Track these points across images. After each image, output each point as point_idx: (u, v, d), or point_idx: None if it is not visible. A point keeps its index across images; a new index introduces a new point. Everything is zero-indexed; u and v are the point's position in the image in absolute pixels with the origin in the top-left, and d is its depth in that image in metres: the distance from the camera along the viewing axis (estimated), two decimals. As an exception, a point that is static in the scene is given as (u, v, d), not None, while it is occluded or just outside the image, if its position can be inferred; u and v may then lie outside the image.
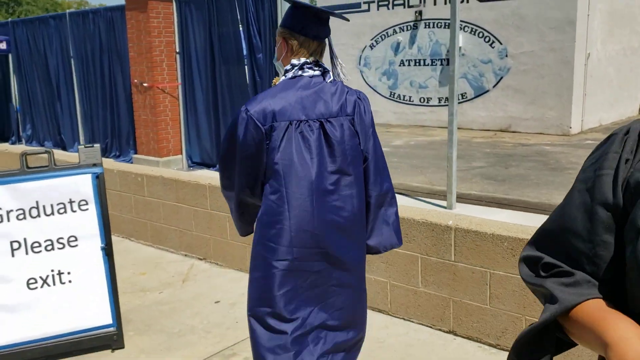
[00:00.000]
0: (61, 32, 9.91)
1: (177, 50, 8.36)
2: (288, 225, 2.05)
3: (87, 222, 3.00)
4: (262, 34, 7.07)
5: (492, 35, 13.41)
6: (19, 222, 2.91)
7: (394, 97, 15.33)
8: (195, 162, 8.55)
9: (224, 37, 7.64)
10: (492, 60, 13.49)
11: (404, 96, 15.13)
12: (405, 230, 3.43)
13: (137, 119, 8.67)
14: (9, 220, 2.89)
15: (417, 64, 14.78)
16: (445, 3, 14.07)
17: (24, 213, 2.91)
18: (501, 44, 13.31)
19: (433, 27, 14.36)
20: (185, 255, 4.78)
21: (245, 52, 7.50)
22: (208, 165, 8.32)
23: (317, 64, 2.33)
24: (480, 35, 13.53)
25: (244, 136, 2.13)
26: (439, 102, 14.51)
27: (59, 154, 6.93)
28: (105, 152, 9.58)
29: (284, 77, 2.33)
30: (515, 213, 5.11)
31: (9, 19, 11.33)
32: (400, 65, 15.08)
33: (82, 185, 3.00)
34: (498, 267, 3.34)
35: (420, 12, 14.49)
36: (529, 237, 3.31)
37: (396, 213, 2.51)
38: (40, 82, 10.58)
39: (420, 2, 14.47)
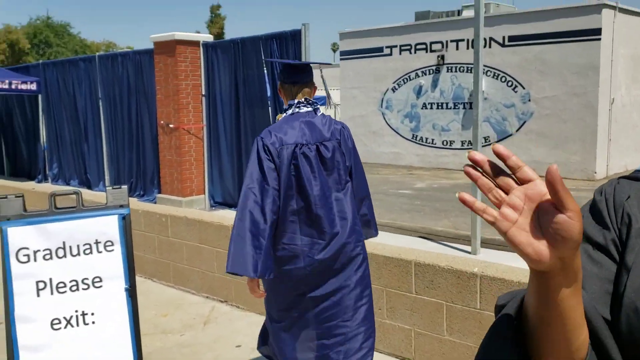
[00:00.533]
0: (90, 74, 10.18)
1: (203, 93, 8.52)
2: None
3: (112, 263, 3.01)
4: (287, 77, 7.19)
5: (514, 79, 13.45)
6: (46, 262, 2.92)
7: (416, 139, 15.35)
8: (218, 202, 8.60)
9: (249, 80, 7.78)
10: (515, 104, 13.49)
11: (427, 139, 15.15)
12: (430, 277, 3.37)
13: (162, 159, 8.78)
14: (35, 260, 2.91)
15: (440, 107, 14.84)
16: (468, 48, 14.21)
17: (50, 253, 2.93)
18: (524, 88, 13.34)
19: (455, 71, 14.47)
20: (207, 297, 4.75)
21: (269, 94, 7.61)
22: (230, 205, 8.36)
23: (308, 101, 2.91)
24: (503, 79, 13.58)
25: (265, 164, 2.73)
26: (462, 145, 14.48)
27: (85, 193, 7.02)
28: (129, 191, 9.69)
29: (285, 114, 2.92)
30: (542, 260, 5.01)
31: (40, 61, 11.68)
32: (422, 108, 15.16)
33: (108, 226, 3.02)
34: (526, 316, 3.22)
35: (442, 57, 14.62)
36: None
37: (371, 208, 3.13)
38: (68, 122, 10.82)
39: (443, 46, 14.63)
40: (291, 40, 7.03)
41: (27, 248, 2.93)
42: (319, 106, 2.94)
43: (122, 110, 9.72)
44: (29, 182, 10.77)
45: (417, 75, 15.21)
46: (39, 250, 2.94)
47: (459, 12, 17.36)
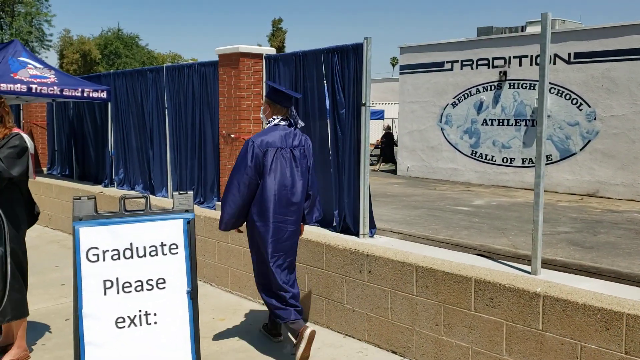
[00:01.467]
0: (157, 84, 10.55)
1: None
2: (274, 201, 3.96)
3: (176, 266, 3.11)
4: (346, 90, 7.23)
5: (580, 97, 13.07)
6: (113, 262, 3.05)
7: (475, 155, 15.11)
8: (275, 213, 8.71)
9: (309, 92, 7.88)
10: (580, 122, 13.09)
11: (486, 155, 14.88)
12: (490, 295, 3.30)
13: (222, 168, 8.99)
14: (104, 260, 3.04)
15: (501, 123, 14.57)
16: (531, 64, 13.92)
17: (118, 254, 3.05)
18: (589, 106, 12.93)
19: (518, 87, 14.19)
20: (263, 304, 4.80)
21: (328, 107, 7.68)
22: (287, 216, 8.46)
23: (286, 119, 4.22)
24: (568, 97, 13.21)
25: (252, 158, 3.93)
26: (523, 163, 14.15)
27: (151, 198, 7.31)
28: (189, 199, 9.95)
29: (268, 125, 4.16)
30: (606, 283, 4.83)
31: (111, 71, 12.20)
32: (482, 124, 14.92)
33: (174, 229, 3.13)
34: (590, 340, 3.13)
35: (505, 73, 14.37)
36: (625, 310, 3.09)
37: (319, 199, 4.43)
38: (135, 130, 11.23)
39: (505, 62, 14.39)
40: (353, 53, 7.08)
41: (96, 248, 3.06)
42: (293, 122, 4.18)
43: (187, 119, 10.02)
44: (96, 186, 11.24)
45: (478, 91, 15.00)
46: (107, 250, 3.08)
47: (523, 28, 17.04)
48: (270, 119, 4.11)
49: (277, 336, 4.32)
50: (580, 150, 13.11)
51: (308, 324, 4.33)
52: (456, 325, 3.47)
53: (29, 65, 11.42)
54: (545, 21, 5.28)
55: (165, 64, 10.40)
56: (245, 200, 3.87)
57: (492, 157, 14.77)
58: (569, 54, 13.15)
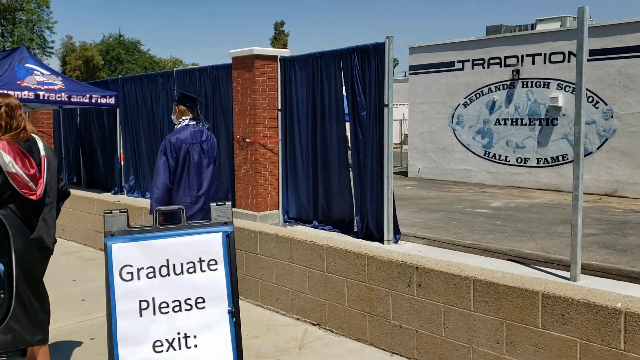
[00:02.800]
0: (168, 89, 10.34)
1: (279, 107, 8.46)
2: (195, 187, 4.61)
3: (216, 283, 2.88)
4: (367, 92, 7.01)
5: (595, 95, 12.82)
6: (149, 281, 2.82)
7: (488, 156, 14.87)
8: (292, 218, 8.49)
9: (326, 95, 7.66)
10: (596, 121, 12.85)
11: (500, 156, 14.64)
12: (561, 310, 3.04)
13: (238, 173, 8.76)
14: (139, 278, 2.81)
15: (514, 123, 14.33)
16: (545, 62, 13.68)
17: (154, 271, 2.83)
18: (606, 104, 12.69)
19: (531, 86, 13.95)
20: (298, 319, 4.51)
21: (347, 110, 7.46)
22: (304, 221, 8.23)
23: (194, 119, 4.79)
24: (583, 94, 12.95)
25: (171, 153, 4.55)
26: (538, 163, 13.91)
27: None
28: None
29: (179, 125, 4.77)
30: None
31: (119, 76, 12.00)
32: (495, 124, 14.68)
33: (212, 244, 2.90)
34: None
35: (517, 71, 14.14)
36: None
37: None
38: (145, 136, 11.01)
39: (518, 61, 14.15)
40: (374, 53, 6.86)
41: (130, 265, 2.84)
42: (200, 121, 4.89)
43: (198, 124, 9.80)
44: (105, 193, 10.98)
45: (490, 90, 14.77)
46: (142, 268, 2.85)
47: (533, 26, 16.81)
48: (181, 120, 4.78)
49: None
50: (597, 149, 12.86)
51: (350, 340, 4.06)
52: (520, 343, 3.22)
53: (35, 72, 11.21)
54: (582, 15, 5.05)
55: (175, 68, 10.19)
56: (167, 186, 4.59)
57: (506, 157, 14.53)
58: (584, 51, 12.88)
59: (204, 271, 2.90)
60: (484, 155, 14.94)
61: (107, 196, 9.67)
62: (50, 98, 10.67)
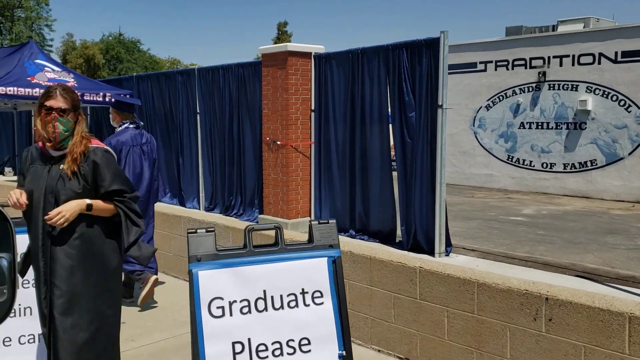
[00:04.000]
0: (188, 87, 9.79)
1: (312, 108, 7.93)
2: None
3: (322, 321, 2.35)
4: (417, 91, 6.49)
5: (628, 98, 12.35)
6: (243, 317, 2.29)
7: (511, 160, 14.38)
8: (325, 226, 7.95)
9: (367, 94, 7.13)
10: (628, 125, 12.38)
11: (524, 160, 14.16)
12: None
13: (266, 177, 8.22)
14: (231, 314, 2.28)
15: (540, 127, 13.85)
16: (573, 64, 13.20)
17: (248, 305, 2.30)
18: (639, 107, 12.22)
19: (558, 88, 13.47)
20: (379, 350, 3.94)
21: (391, 111, 6.93)
22: (339, 230, 7.69)
23: (134, 122, 5.05)
24: (614, 98, 12.50)
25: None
26: (564, 169, 13.42)
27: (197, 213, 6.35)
28: (226, 210, 9.20)
29: (119, 129, 4.97)
30: None
31: (134, 74, 11.44)
32: (519, 128, 14.20)
33: (316, 271, 2.37)
34: None
35: (544, 73, 13.66)
36: None
37: (161, 181, 6.14)
38: (163, 136, 10.46)
39: (544, 62, 13.67)
40: (426, 49, 6.34)
41: (221, 298, 2.31)
42: (139, 124, 5.17)
43: (222, 125, 9.25)
44: None
45: (514, 93, 14.29)
46: (235, 301, 2.32)
47: (555, 28, 16.36)
48: (121, 124, 5.03)
49: (129, 297, 5.13)
50: (629, 154, 12.39)
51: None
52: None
53: (46, 68, 10.65)
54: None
55: (197, 66, 9.63)
56: None
57: (531, 162, 14.05)
58: (616, 53, 12.44)
59: (308, 305, 2.37)
60: (507, 159, 14.46)
61: None
62: (62, 96, 10.12)
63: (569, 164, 13.38)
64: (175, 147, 10.22)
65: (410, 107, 6.56)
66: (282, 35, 43.75)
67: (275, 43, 43.59)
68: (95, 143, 2.73)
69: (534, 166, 13.99)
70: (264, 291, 2.32)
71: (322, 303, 2.38)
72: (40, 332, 3.23)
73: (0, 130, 16.15)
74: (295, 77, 7.78)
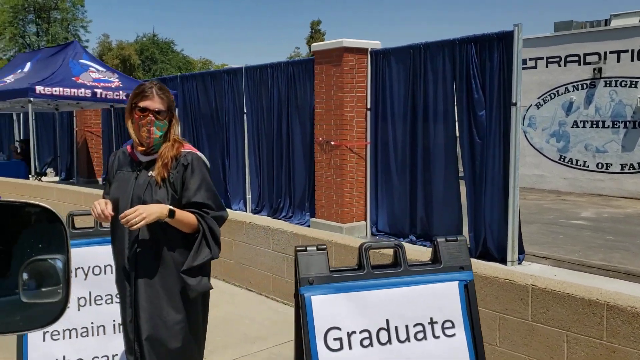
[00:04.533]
0: (235, 87, 9.53)
1: (368, 106, 7.58)
2: None
3: (455, 355, 2.00)
4: (487, 88, 6.08)
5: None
6: (364, 351, 1.95)
7: (564, 161, 13.78)
8: (380, 231, 7.59)
9: (430, 91, 6.74)
10: (692, 123, 11.70)
11: (577, 161, 13.55)
12: None
13: (319, 179, 7.89)
14: (350, 347, 1.94)
15: (595, 125, 13.22)
16: (632, 59, 12.55)
17: (370, 337, 1.96)
18: None
19: (616, 85, 12.83)
20: None
21: (457, 109, 6.54)
22: (397, 235, 7.33)
23: None
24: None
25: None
26: (622, 169, 12.78)
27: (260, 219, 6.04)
28: (274, 213, 8.91)
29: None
30: None
31: (179, 74, 11.24)
32: (573, 127, 13.58)
33: (446, 298, 2.02)
34: None
35: (599, 70, 13.02)
36: None
37: None
38: (208, 137, 10.23)
39: (600, 58, 13.04)
40: (498, 43, 5.94)
41: (338, 328, 1.96)
42: None
43: (270, 125, 8.97)
44: None
45: (567, 90, 13.68)
46: (354, 332, 1.97)
47: (607, 22, 15.67)
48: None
49: None
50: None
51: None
52: None
53: (90, 68, 10.51)
54: None
55: (244, 65, 9.37)
56: None
57: (585, 162, 13.42)
58: (679, 47, 11.77)
59: (438, 337, 2.01)
60: (559, 160, 13.86)
61: None
62: (107, 96, 9.96)
63: (626, 164, 12.74)
64: (221, 148, 9.98)
65: (479, 105, 6.15)
66: (315, 33, 43.43)
67: (309, 42, 43.27)
68: (188, 148, 2.41)
69: (588, 167, 13.37)
70: (387, 321, 1.98)
71: (453, 335, 2.02)
72: (114, 353, 2.94)
73: (41, 132, 16.21)
74: (351, 75, 7.43)
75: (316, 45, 7.73)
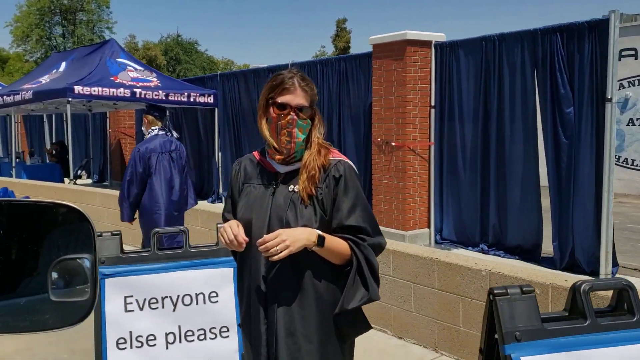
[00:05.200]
0: (280, 85, 9.04)
1: (432, 104, 7.03)
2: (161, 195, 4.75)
3: None
4: (577, 82, 5.49)
5: None
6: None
7: (618, 161, 13.06)
8: (445, 239, 7.04)
9: (506, 87, 6.17)
10: None
11: (633, 161, 12.83)
12: None
13: (377, 183, 7.36)
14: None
15: (653, 123, 12.51)
16: (695, 52, 11.82)
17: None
18: None
19: (676, 80, 12.11)
20: None
21: (540, 106, 5.96)
22: (465, 244, 6.77)
23: (163, 129, 4.90)
24: None
25: (140, 162, 4.67)
26: (683, 169, 12.05)
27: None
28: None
29: (148, 135, 4.87)
30: None
31: (218, 72, 10.78)
32: (628, 125, 12.88)
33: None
34: None
35: (658, 64, 12.30)
36: None
37: (192, 189, 5.10)
38: (251, 137, 9.76)
39: (659, 51, 12.32)
40: (588, 32, 5.34)
41: None
42: (168, 131, 4.97)
43: (320, 125, 8.47)
44: (202, 201, 9.62)
45: (622, 86, 12.96)
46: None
47: (660, 14, 14.89)
48: (150, 130, 4.83)
49: None
50: None
51: None
52: None
53: (128, 67, 10.10)
54: None
55: (290, 61, 8.88)
56: (139, 195, 4.70)
57: (642, 162, 12.72)
58: None
59: None
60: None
61: (205, 205, 8.39)
62: (147, 96, 9.54)
63: (688, 164, 12.01)
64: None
65: (566, 101, 5.56)
66: (341, 32, 42.83)
67: (335, 41, 42.73)
68: (337, 155, 1.90)
69: (645, 167, 12.67)
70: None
71: None
72: None
73: (73, 133, 15.90)
74: (414, 69, 6.89)
75: (376, 39, 7.20)
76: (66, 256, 1.03)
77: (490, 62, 6.28)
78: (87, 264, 1.03)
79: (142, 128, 5.11)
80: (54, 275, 1.01)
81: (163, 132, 4.82)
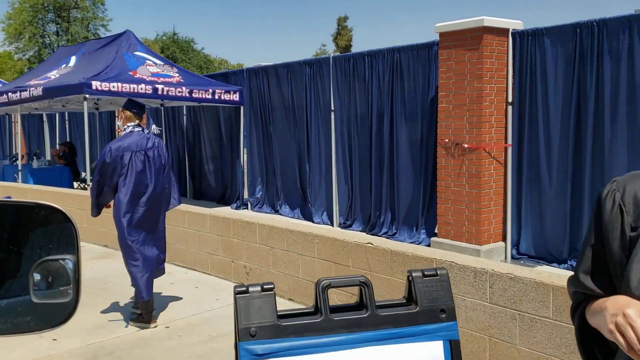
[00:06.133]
0: (318, 80, 8.16)
1: (510, 100, 6.18)
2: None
3: None
4: None
5: None
6: None
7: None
8: (523, 254, 6.20)
9: (607, 81, 5.34)
10: None
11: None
12: None
13: (443, 190, 6.49)
14: None
15: None
16: None
17: None
18: None
19: None
20: None
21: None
22: (548, 260, 5.93)
23: (139, 125, 4.66)
24: None
25: (111, 160, 4.48)
26: None
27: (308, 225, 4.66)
28: (371, 228, 7.53)
29: (123, 132, 4.67)
30: None
31: (244, 67, 9.87)
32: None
33: None
34: None
35: None
36: None
37: (170, 184, 4.82)
38: (281, 138, 8.88)
39: None
40: None
41: None
42: (144, 128, 4.74)
43: (365, 124, 7.60)
44: (219, 207, 8.66)
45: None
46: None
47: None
48: (125, 127, 4.66)
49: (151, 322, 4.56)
50: None
51: None
52: None
53: (148, 62, 9.17)
54: None
55: (332, 54, 8.02)
56: (106, 195, 4.58)
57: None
58: None
59: None
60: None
61: (228, 211, 7.42)
62: (169, 93, 8.62)
63: None
64: (298, 151, 8.62)
65: (692, 96, 4.73)
66: (342, 30, 41.92)
67: (336, 39, 41.75)
68: None
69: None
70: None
71: None
72: None
73: (75, 133, 14.95)
74: (491, 61, 6.04)
75: (443, 26, 6.33)
76: (48, 257, 1.03)
77: (585, 52, 5.44)
78: (69, 265, 1.03)
79: (118, 123, 4.78)
80: (36, 276, 1.00)
81: (140, 129, 4.65)
